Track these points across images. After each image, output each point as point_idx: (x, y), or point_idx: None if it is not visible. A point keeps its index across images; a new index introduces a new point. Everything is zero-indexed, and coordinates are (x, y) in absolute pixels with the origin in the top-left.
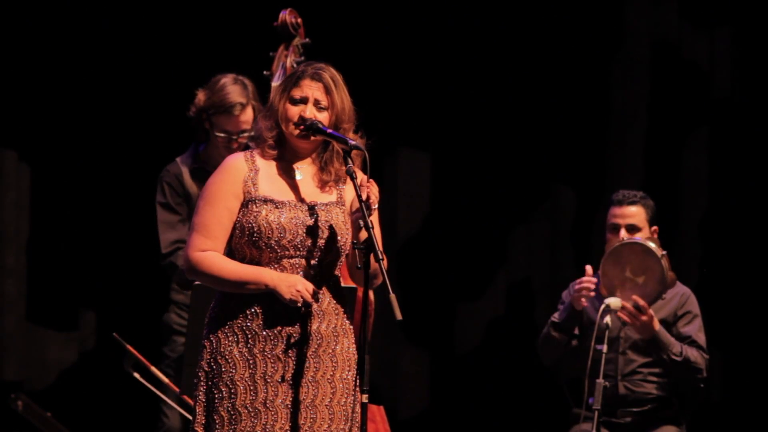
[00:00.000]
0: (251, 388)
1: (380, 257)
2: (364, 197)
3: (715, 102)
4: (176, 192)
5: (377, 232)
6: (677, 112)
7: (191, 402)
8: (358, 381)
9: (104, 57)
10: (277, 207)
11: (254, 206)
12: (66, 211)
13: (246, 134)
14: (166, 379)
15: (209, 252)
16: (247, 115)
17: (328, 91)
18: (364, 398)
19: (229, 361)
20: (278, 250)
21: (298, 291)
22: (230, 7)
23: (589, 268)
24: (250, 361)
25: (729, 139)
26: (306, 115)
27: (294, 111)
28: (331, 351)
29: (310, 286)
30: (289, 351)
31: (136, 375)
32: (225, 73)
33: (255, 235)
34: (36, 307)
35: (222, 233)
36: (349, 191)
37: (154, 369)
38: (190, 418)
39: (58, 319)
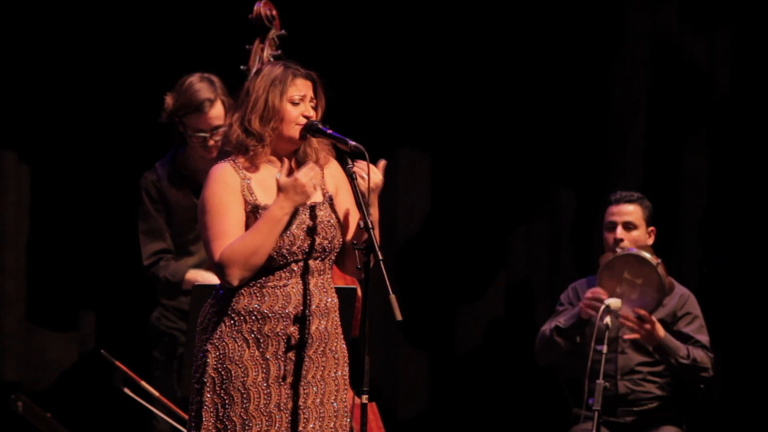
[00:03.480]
0: (265, 392)
1: (380, 257)
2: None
3: (715, 102)
4: (154, 199)
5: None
6: (677, 112)
7: (184, 414)
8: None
9: (104, 57)
10: None
11: (258, 216)
12: (66, 211)
13: (221, 130)
14: (156, 393)
15: (224, 246)
16: (217, 110)
17: (316, 87)
18: (364, 398)
19: (240, 366)
20: (288, 257)
21: (305, 188)
22: (205, 3)
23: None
24: (263, 366)
25: (729, 140)
26: (309, 114)
27: (296, 112)
28: (333, 348)
29: (305, 174)
30: (299, 351)
31: (127, 390)
32: (191, 73)
33: None
34: (36, 308)
35: (240, 234)
36: (328, 181)
37: (143, 383)
38: (182, 429)
39: (58, 319)
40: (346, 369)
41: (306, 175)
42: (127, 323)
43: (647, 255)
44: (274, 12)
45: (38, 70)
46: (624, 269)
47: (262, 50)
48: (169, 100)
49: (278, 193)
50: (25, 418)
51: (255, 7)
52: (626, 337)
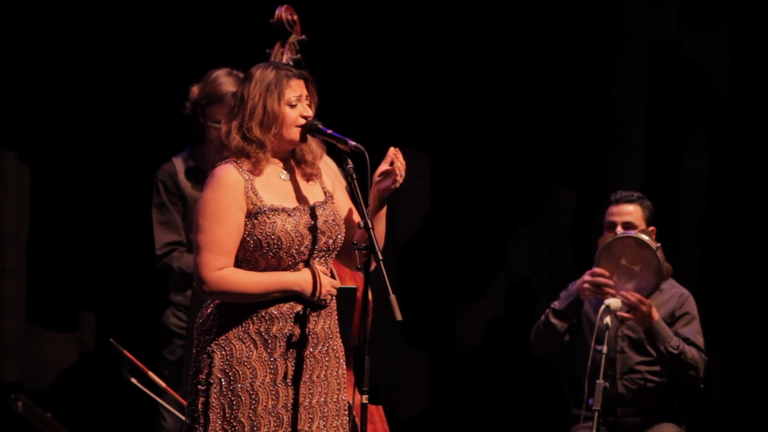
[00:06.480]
0: (272, 392)
1: (380, 257)
2: (394, 168)
3: (715, 102)
4: (171, 191)
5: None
6: (677, 112)
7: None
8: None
9: (103, 57)
10: (290, 215)
11: (265, 217)
12: (66, 211)
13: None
14: (163, 384)
15: (226, 269)
16: None
17: (308, 84)
18: (364, 398)
19: (249, 367)
20: (296, 257)
21: (327, 291)
22: (226, 5)
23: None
24: (271, 366)
25: (729, 139)
26: (307, 114)
27: (295, 114)
28: (334, 347)
29: (333, 282)
30: (305, 351)
31: (134, 380)
32: (219, 68)
33: (275, 246)
34: (36, 308)
35: (233, 248)
36: (326, 180)
37: (151, 374)
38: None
39: (58, 319)
40: (344, 367)
41: (330, 293)
42: (127, 323)
43: (645, 237)
44: (296, 17)
45: (39, 70)
46: (623, 252)
47: (282, 54)
48: (194, 89)
49: (311, 277)
50: (25, 418)
51: (276, 12)
52: (620, 314)
